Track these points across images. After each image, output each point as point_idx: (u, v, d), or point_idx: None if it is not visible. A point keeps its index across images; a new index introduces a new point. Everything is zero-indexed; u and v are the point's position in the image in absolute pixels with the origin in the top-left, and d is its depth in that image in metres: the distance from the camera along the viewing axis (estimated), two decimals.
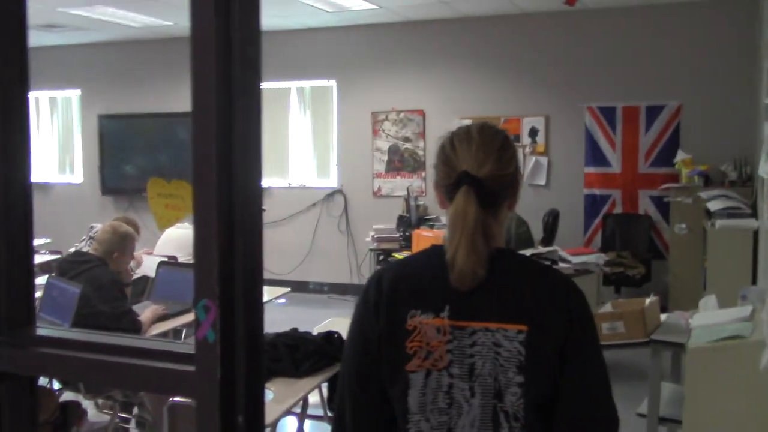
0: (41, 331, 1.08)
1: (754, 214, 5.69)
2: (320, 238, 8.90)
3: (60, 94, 10.17)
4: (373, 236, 7.36)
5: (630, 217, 7.65)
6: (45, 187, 10.06)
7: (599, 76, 7.72)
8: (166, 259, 5.35)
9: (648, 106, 7.55)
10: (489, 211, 1.44)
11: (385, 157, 8.80)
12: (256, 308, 0.99)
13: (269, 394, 2.72)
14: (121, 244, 4.01)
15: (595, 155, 7.80)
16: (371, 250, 7.61)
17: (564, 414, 1.40)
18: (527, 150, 8.08)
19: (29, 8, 0.93)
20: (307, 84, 9.02)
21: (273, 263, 8.44)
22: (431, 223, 7.72)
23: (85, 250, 4.80)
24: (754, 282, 5.41)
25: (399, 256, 6.67)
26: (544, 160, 8.05)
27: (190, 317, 4.32)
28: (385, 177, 8.80)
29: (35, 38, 8.94)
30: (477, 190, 1.42)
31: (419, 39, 8.43)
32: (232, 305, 0.96)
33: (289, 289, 5.58)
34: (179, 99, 9.45)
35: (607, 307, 4.08)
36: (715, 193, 6.30)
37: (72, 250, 5.37)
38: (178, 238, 6.57)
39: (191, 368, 0.94)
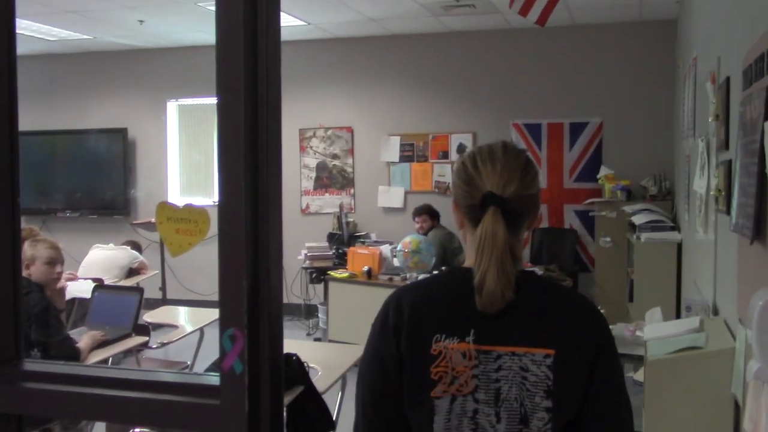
0: (30, 366, 0.99)
1: (676, 227, 5.92)
2: None
3: None
4: (305, 254, 7.25)
5: (556, 231, 7.84)
6: None
7: (525, 93, 7.91)
8: (93, 283, 5.12)
9: (572, 123, 7.78)
10: (512, 232, 1.42)
11: (313, 174, 8.74)
12: (279, 338, 0.95)
13: None
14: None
15: None
16: (303, 268, 7.50)
17: None
18: (455, 166, 8.17)
19: None
20: None
21: (200, 284, 8.22)
22: (362, 240, 7.70)
23: None
24: (678, 292, 5.62)
25: (335, 274, 6.60)
26: None
27: (130, 343, 4.13)
28: (313, 194, 8.73)
29: None
30: (503, 211, 1.40)
31: (347, 56, 8.44)
32: (258, 334, 0.92)
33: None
34: (91, 115, 9.14)
35: None
36: (638, 208, 6.52)
37: None
38: (103, 261, 6.32)
39: (215, 402, 0.89)
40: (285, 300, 8.28)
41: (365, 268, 6.40)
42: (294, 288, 8.37)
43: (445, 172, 8.21)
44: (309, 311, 8.19)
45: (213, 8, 0.86)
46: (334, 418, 3.19)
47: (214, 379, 0.89)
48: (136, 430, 2.76)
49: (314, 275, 7.27)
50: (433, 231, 6.95)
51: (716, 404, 2.27)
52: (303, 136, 8.69)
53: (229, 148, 0.84)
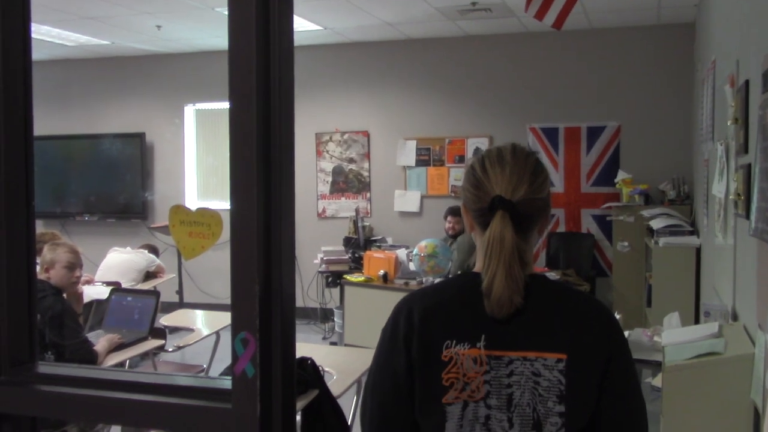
0: (44, 369, 0.99)
1: (695, 232, 5.87)
2: None
3: None
4: (322, 258, 7.25)
5: (573, 236, 7.79)
6: None
7: (541, 97, 7.88)
8: (110, 287, 5.15)
9: (589, 126, 7.74)
10: (521, 236, 1.40)
11: (330, 178, 8.75)
12: (291, 342, 0.94)
13: None
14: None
15: None
16: (320, 272, 7.51)
17: None
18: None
19: None
20: None
21: (217, 288, 8.25)
22: (379, 244, 7.70)
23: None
24: (696, 297, 5.56)
25: (351, 278, 6.60)
26: None
27: (147, 346, 4.15)
28: (329, 198, 8.74)
29: None
30: (512, 215, 1.38)
31: (364, 60, 8.45)
32: (270, 338, 0.92)
33: None
34: (108, 119, 9.22)
35: None
36: (656, 212, 6.47)
37: None
38: (120, 264, 6.36)
39: (227, 405, 0.89)
40: (301, 304, 8.30)
41: (381, 272, 6.40)
42: (310, 292, 8.37)
43: (461, 176, 8.17)
44: (325, 315, 8.19)
45: None
46: (348, 423, 3.19)
47: (226, 382, 0.89)
48: None
49: (330, 279, 7.26)
50: (464, 234, 6.93)
51: (735, 411, 2.24)
52: (319, 140, 8.71)
53: (241, 154, 0.86)
